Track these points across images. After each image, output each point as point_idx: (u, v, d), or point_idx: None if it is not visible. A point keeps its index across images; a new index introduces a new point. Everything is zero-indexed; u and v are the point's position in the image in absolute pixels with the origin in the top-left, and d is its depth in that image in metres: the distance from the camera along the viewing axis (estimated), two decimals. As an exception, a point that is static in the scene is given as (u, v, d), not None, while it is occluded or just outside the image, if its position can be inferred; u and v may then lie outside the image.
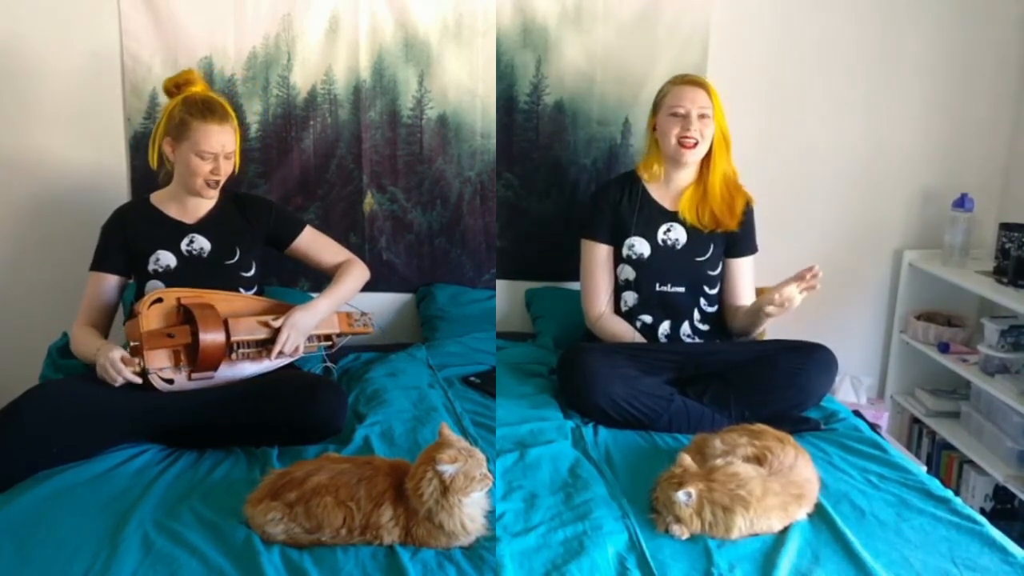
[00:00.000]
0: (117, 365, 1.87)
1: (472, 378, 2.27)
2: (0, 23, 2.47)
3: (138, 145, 2.56)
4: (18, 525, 1.51)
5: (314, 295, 2.59)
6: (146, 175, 2.56)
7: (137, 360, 1.90)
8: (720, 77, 2.52)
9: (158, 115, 2.52)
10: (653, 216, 2.31)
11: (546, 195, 2.73)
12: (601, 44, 2.63)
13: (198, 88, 2.11)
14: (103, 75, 2.52)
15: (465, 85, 2.63)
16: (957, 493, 1.86)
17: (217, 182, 2.09)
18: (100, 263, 2.15)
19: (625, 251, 2.31)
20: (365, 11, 2.55)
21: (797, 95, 2.75)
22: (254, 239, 2.21)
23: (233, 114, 2.10)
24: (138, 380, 1.89)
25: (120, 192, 2.58)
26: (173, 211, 2.16)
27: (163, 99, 2.50)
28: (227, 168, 2.09)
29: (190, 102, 2.05)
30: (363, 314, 2.33)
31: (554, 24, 2.61)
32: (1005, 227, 2.62)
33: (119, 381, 1.88)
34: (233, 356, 2.02)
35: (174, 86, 2.11)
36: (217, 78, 2.54)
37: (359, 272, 2.29)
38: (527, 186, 2.72)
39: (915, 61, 2.75)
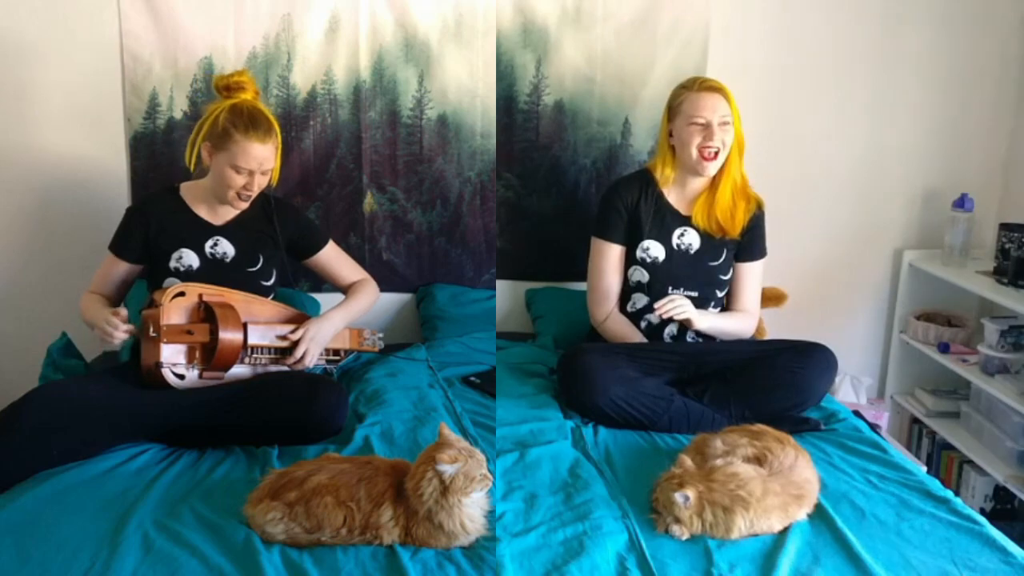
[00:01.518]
0: (112, 321, 1.91)
1: (472, 378, 2.27)
2: (0, 23, 2.47)
3: (138, 145, 2.56)
4: (18, 525, 1.51)
5: (314, 296, 2.61)
6: (146, 175, 2.57)
7: (126, 315, 1.95)
8: (720, 78, 2.50)
9: (158, 115, 2.54)
10: (668, 219, 2.28)
11: (546, 195, 2.73)
12: (601, 45, 2.63)
13: (248, 96, 2.05)
14: (103, 75, 2.52)
15: (465, 85, 2.63)
16: (957, 493, 1.86)
17: (249, 196, 2.07)
18: (119, 248, 2.14)
19: (639, 254, 2.28)
20: (365, 11, 2.55)
21: (797, 96, 2.75)
22: (276, 247, 2.21)
23: (278, 129, 2.06)
24: (132, 329, 1.94)
25: (120, 192, 2.58)
26: (202, 210, 2.14)
27: (163, 99, 2.53)
28: (262, 182, 2.07)
29: (236, 112, 2.00)
30: (373, 333, 2.34)
31: (554, 24, 2.61)
32: (1005, 227, 2.62)
33: (117, 338, 1.92)
34: (247, 360, 2.02)
35: (224, 87, 2.05)
36: (217, 78, 2.54)
37: (373, 293, 2.32)
38: (527, 186, 2.72)
39: (915, 62, 2.75)
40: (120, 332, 1.92)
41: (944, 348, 2.72)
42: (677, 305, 2.13)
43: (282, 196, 2.60)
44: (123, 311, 1.95)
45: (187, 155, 2.10)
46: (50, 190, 2.58)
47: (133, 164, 2.58)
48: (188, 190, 2.16)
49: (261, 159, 2.01)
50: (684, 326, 2.24)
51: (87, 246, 2.19)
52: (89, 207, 2.53)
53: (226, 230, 2.15)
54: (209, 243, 2.12)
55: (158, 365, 1.90)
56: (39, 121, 2.54)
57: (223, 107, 2.02)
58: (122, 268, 2.15)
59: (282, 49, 2.55)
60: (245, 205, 2.11)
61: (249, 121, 1.99)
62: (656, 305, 2.14)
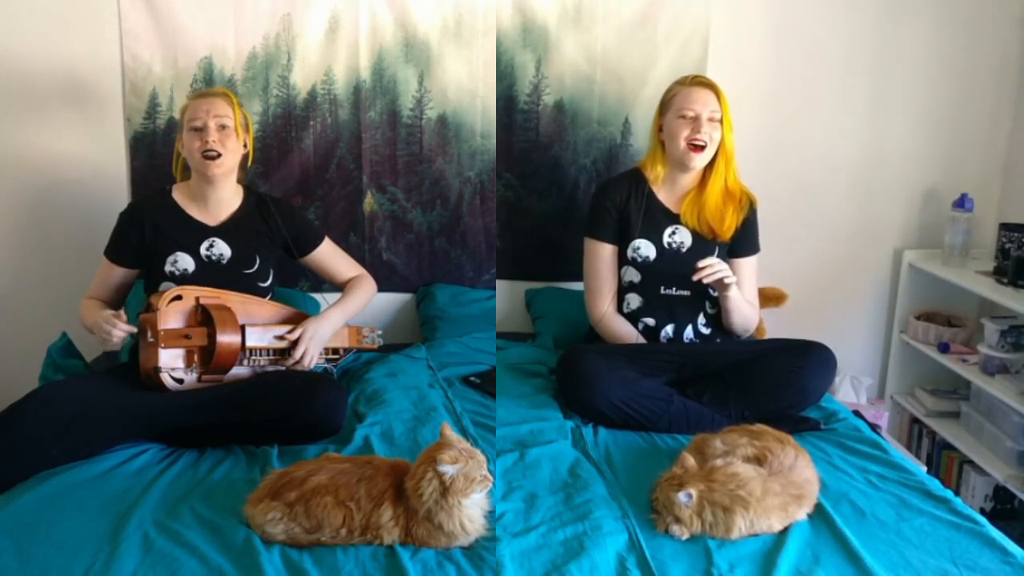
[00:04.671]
0: (110, 320, 1.91)
1: (472, 378, 2.27)
2: (0, 23, 2.47)
3: (138, 145, 2.56)
4: (18, 525, 1.51)
5: (314, 295, 2.61)
6: (146, 175, 2.57)
7: (125, 316, 1.95)
8: (720, 77, 2.51)
9: (158, 115, 2.54)
10: (658, 218, 2.28)
11: (546, 195, 2.73)
12: (601, 44, 2.63)
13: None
14: (103, 75, 2.52)
15: (465, 85, 2.63)
16: (957, 493, 1.86)
17: (215, 153, 2.03)
18: (113, 253, 2.15)
19: (630, 253, 2.28)
20: (365, 11, 2.55)
21: (797, 95, 2.75)
22: (273, 246, 2.21)
23: (231, 95, 2.12)
24: (132, 329, 1.92)
25: (120, 192, 2.58)
26: (195, 211, 2.14)
27: (163, 99, 2.54)
28: (223, 139, 2.05)
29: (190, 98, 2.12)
30: (372, 330, 2.33)
31: (554, 24, 2.61)
32: (1005, 227, 2.62)
33: (116, 337, 1.90)
34: (246, 362, 2.02)
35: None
36: (217, 78, 2.54)
37: (370, 288, 2.32)
38: (527, 186, 2.72)
39: (915, 61, 2.75)
40: (119, 332, 1.91)
41: (944, 348, 2.72)
42: (718, 269, 2.11)
43: (282, 195, 2.60)
44: (122, 313, 1.95)
45: (174, 167, 2.19)
46: (50, 190, 2.58)
47: (133, 164, 2.58)
48: (179, 191, 2.17)
49: (207, 109, 2.05)
50: (717, 295, 2.21)
51: (87, 246, 2.19)
52: (89, 207, 2.53)
53: (222, 231, 2.14)
54: (204, 245, 2.12)
55: (156, 370, 1.90)
56: (39, 121, 2.53)
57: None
58: (119, 273, 2.15)
59: (282, 49, 2.55)
60: (217, 169, 2.06)
61: (196, 93, 2.12)
62: (698, 265, 2.09)
